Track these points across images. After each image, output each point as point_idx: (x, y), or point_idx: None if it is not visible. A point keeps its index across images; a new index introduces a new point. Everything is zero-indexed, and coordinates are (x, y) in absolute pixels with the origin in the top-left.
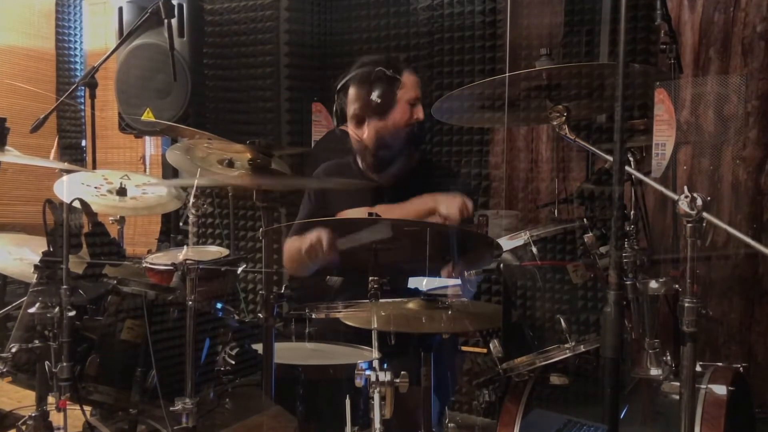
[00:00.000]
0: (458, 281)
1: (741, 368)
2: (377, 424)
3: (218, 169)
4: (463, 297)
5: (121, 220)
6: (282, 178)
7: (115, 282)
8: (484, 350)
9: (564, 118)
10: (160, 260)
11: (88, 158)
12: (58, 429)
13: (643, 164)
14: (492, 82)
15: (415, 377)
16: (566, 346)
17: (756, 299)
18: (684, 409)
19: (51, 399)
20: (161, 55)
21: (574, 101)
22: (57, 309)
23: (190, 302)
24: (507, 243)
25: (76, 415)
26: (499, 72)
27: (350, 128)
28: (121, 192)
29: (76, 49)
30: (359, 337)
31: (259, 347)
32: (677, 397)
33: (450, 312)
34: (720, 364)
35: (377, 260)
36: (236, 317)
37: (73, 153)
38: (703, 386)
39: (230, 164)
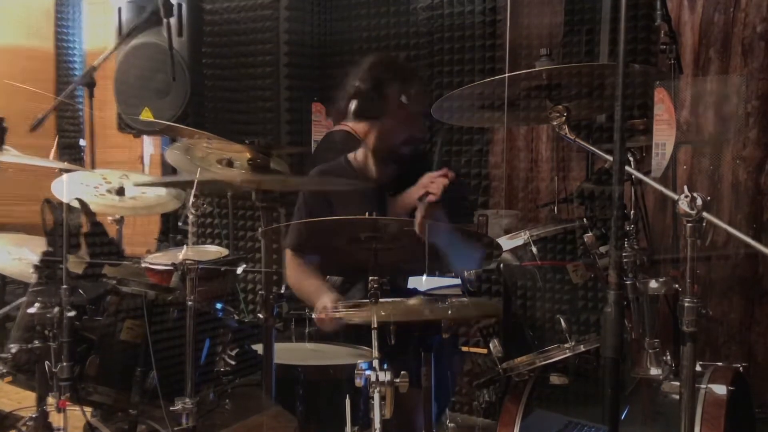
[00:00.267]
0: (458, 281)
1: (741, 368)
2: (377, 424)
3: (217, 169)
4: (463, 297)
5: (120, 220)
6: (280, 178)
7: (115, 282)
8: (484, 350)
9: (564, 118)
10: (160, 260)
11: (87, 158)
12: (59, 430)
13: (643, 164)
14: (492, 82)
15: (415, 377)
16: (566, 346)
17: (756, 299)
18: (684, 409)
19: (51, 399)
20: (160, 55)
21: (574, 101)
22: (56, 309)
23: (190, 302)
24: (507, 243)
25: (77, 415)
26: (498, 72)
27: (357, 126)
28: (120, 192)
29: (75, 48)
30: (359, 337)
31: (258, 347)
32: (677, 397)
33: (450, 312)
34: (720, 363)
35: (377, 260)
36: (236, 317)
37: (72, 152)
38: (703, 386)
39: (229, 164)
